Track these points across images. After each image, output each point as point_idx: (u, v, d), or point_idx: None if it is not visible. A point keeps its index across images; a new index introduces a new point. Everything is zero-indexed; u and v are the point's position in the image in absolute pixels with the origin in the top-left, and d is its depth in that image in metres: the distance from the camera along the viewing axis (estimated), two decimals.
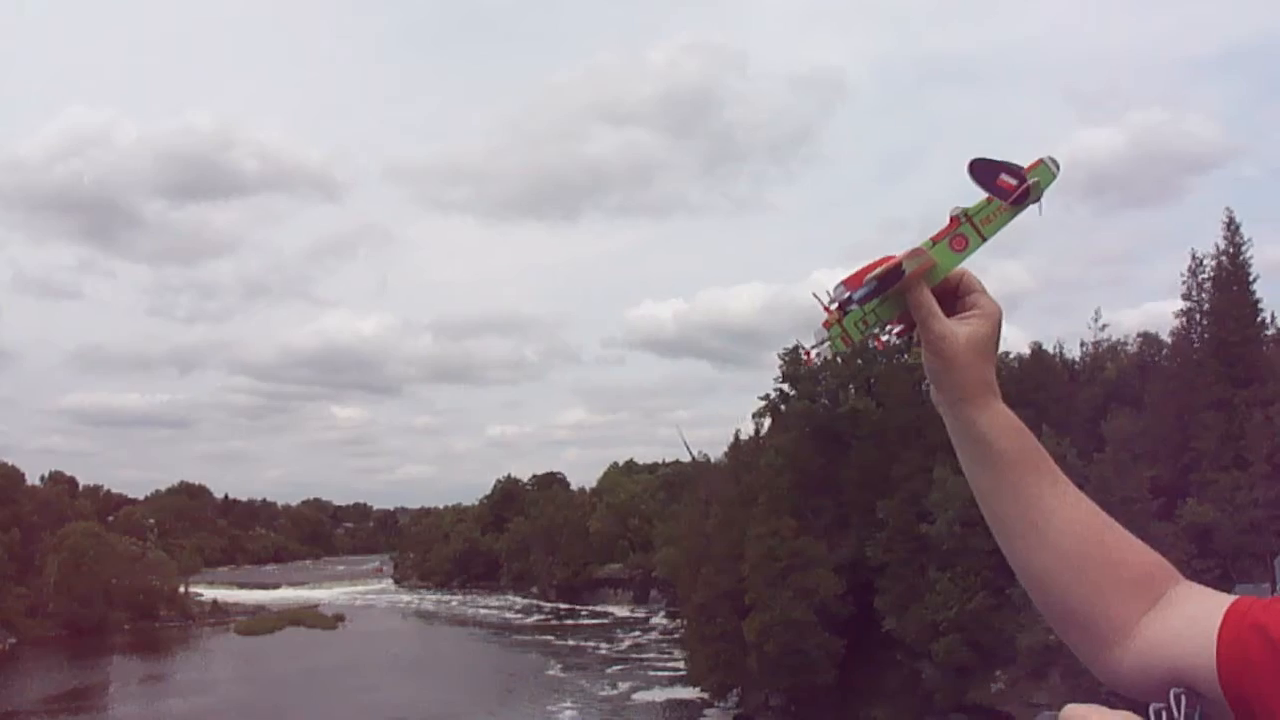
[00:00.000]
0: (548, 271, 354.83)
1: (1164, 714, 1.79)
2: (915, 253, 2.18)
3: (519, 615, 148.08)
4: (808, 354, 2.38)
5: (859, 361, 79.50)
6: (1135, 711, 1.67)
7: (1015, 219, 2.24)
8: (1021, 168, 2.21)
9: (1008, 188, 2.20)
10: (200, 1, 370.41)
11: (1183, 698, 1.81)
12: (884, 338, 2.31)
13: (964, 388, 2.19)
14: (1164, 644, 1.96)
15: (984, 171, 2.23)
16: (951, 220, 2.23)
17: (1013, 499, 2.17)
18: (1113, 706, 1.66)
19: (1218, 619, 1.86)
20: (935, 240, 2.22)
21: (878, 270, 2.17)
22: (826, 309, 2.23)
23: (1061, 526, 2.12)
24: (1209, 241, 65.76)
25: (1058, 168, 2.22)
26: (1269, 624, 1.78)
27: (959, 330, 2.18)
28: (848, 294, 2.21)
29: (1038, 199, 2.23)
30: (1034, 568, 2.15)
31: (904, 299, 2.20)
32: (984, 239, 2.23)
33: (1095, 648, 2.08)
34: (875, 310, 2.22)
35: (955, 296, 2.23)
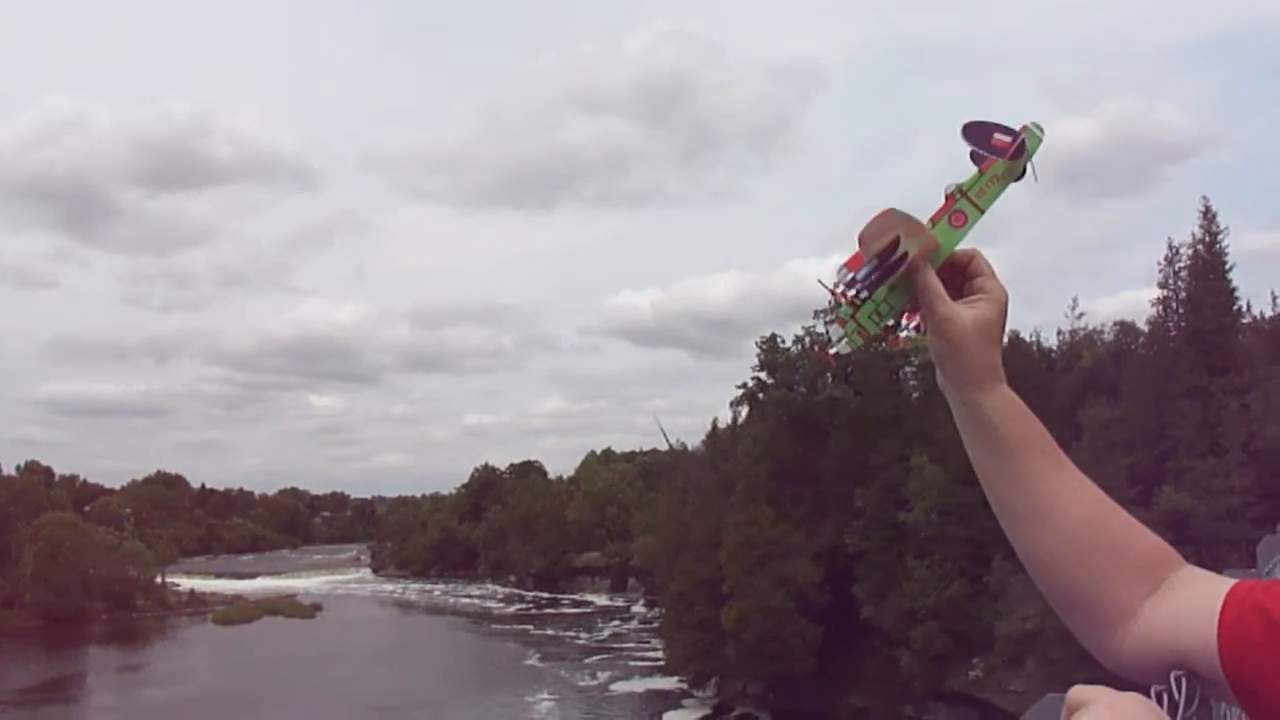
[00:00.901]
0: (524, 260, 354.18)
1: (1165, 696, 1.80)
2: (915, 228, 2.17)
3: (497, 604, 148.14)
4: (825, 352, 2.35)
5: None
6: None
7: (1007, 189, 2.24)
8: (1012, 128, 2.22)
9: (1003, 145, 2.21)
10: None
11: (1183, 680, 1.81)
12: (902, 334, 2.30)
13: (970, 372, 2.19)
14: (1165, 626, 1.96)
15: (977, 133, 2.24)
16: (947, 198, 2.23)
17: (1017, 483, 2.17)
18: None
19: (1219, 601, 1.86)
20: (934, 220, 2.21)
21: (876, 244, 2.15)
22: (842, 299, 2.22)
23: (1066, 510, 2.12)
24: (1185, 230, 66.00)
25: (1042, 132, 2.23)
26: (1270, 606, 1.77)
27: (965, 314, 2.17)
28: (851, 275, 2.20)
29: (1025, 167, 2.24)
30: (1038, 551, 2.16)
31: (912, 283, 2.19)
32: (981, 211, 2.23)
33: (1097, 631, 2.09)
34: (888, 300, 2.21)
35: (964, 278, 2.23)
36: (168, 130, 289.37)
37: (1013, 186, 2.26)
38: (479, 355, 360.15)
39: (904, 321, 2.26)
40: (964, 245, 2.23)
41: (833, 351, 2.27)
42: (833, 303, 2.24)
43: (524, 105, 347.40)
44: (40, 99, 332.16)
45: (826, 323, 2.32)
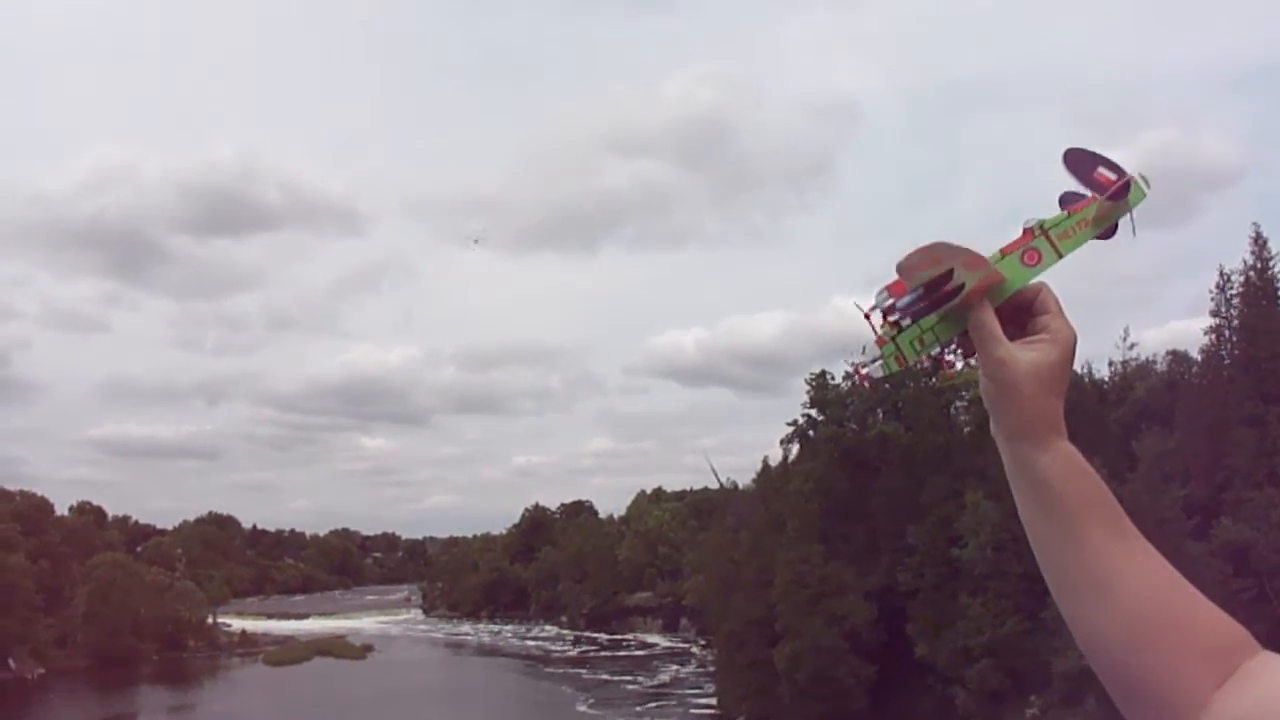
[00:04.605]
0: (569, 302, 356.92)
1: None
2: (975, 261, 1.92)
3: (549, 645, 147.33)
4: (860, 373, 2.09)
5: (886, 386, 79.33)
6: None
7: (1093, 239, 2.01)
8: (1120, 165, 1.99)
9: (1105, 182, 1.98)
10: (219, 37, 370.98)
11: None
12: (949, 358, 2.04)
13: (1025, 422, 1.93)
14: None
15: (1079, 162, 2.02)
16: (1025, 232, 2.00)
17: (1073, 551, 1.91)
18: None
19: None
20: (1005, 252, 1.99)
21: (924, 273, 1.93)
22: (869, 320, 2.03)
23: (1128, 587, 1.86)
24: (1232, 258, 65.48)
25: (1149, 186, 2.00)
26: None
27: (1022, 356, 1.92)
28: (890, 300, 1.99)
29: (1120, 221, 2.02)
30: (1094, 629, 1.89)
31: (965, 317, 1.96)
32: (1060, 255, 2.00)
33: None
34: (934, 329, 1.99)
35: (1029, 316, 1.98)
36: (214, 176, 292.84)
37: None
38: (527, 396, 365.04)
39: (952, 349, 2.03)
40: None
41: (865, 371, 2.06)
42: (883, 330, 2.03)
43: (562, 148, 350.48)
44: (90, 148, 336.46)
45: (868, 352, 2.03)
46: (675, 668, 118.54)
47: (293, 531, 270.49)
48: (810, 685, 68.46)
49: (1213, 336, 65.67)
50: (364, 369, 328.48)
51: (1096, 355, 76.90)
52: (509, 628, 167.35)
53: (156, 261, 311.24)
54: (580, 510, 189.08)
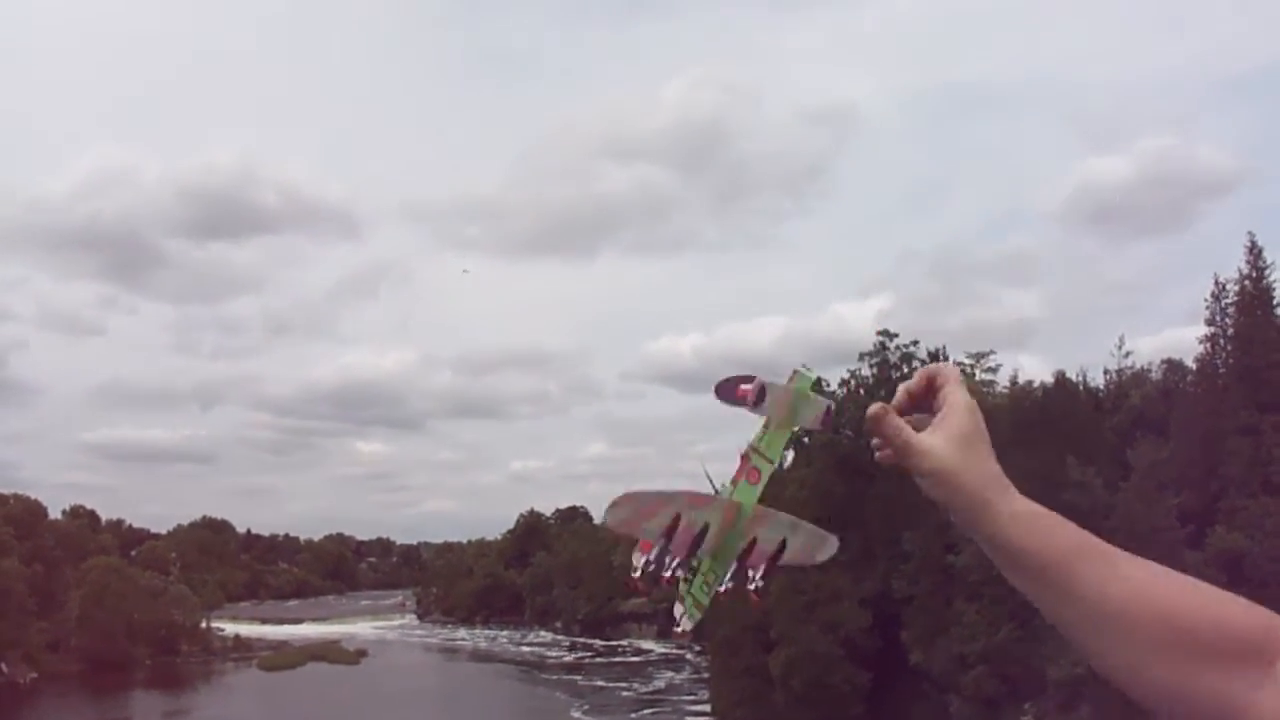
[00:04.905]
0: (567, 308, 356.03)
1: None
2: (698, 500, 2.21)
3: (544, 651, 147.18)
4: (679, 630, 2.33)
5: (881, 392, 79.17)
6: None
7: (793, 433, 2.31)
8: (753, 376, 2.23)
9: (744, 395, 2.21)
10: (218, 39, 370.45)
11: None
12: (752, 588, 2.24)
13: (974, 494, 1.98)
14: None
15: (725, 390, 2.24)
16: (742, 459, 2.27)
17: (1068, 598, 1.88)
18: None
19: None
20: (735, 481, 2.27)
21: (651, 526, 2.16)
22: (637, 587, 2.30)
23: (1130, 611, 1.81)
24: (1228, 267, 65.50)
25: (812, 372, 2.24)
26: None
27: (935, 438, 2.00)
28: (645, 558, 2.18)
29: (824, 412, 2.27)
30: (1118, 663, 1.84)
31: (735, 545, 2.21)
32: (772, 462, 2.26)
33: None
34: (711, 569, 2.22)
35: (932, 395, 2.10)
36: (212, 179, 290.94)
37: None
38: (524, 401, 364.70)
39: (750, 575, 2.23)
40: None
41: (679, 630, 2.30)
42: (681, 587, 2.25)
43: (560, 153, 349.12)
44: (88, 150, 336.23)
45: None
46: (670, 674, 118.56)
47: (287, 536, 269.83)
48: (805, 692, 68.41)
49: (1208, 345, 65.71)
50: (361, 373, 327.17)
51: (1092, 363, 76.96)
52: (504, 633, 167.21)
53: (153, 265, 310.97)
54: (575, 516, 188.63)
